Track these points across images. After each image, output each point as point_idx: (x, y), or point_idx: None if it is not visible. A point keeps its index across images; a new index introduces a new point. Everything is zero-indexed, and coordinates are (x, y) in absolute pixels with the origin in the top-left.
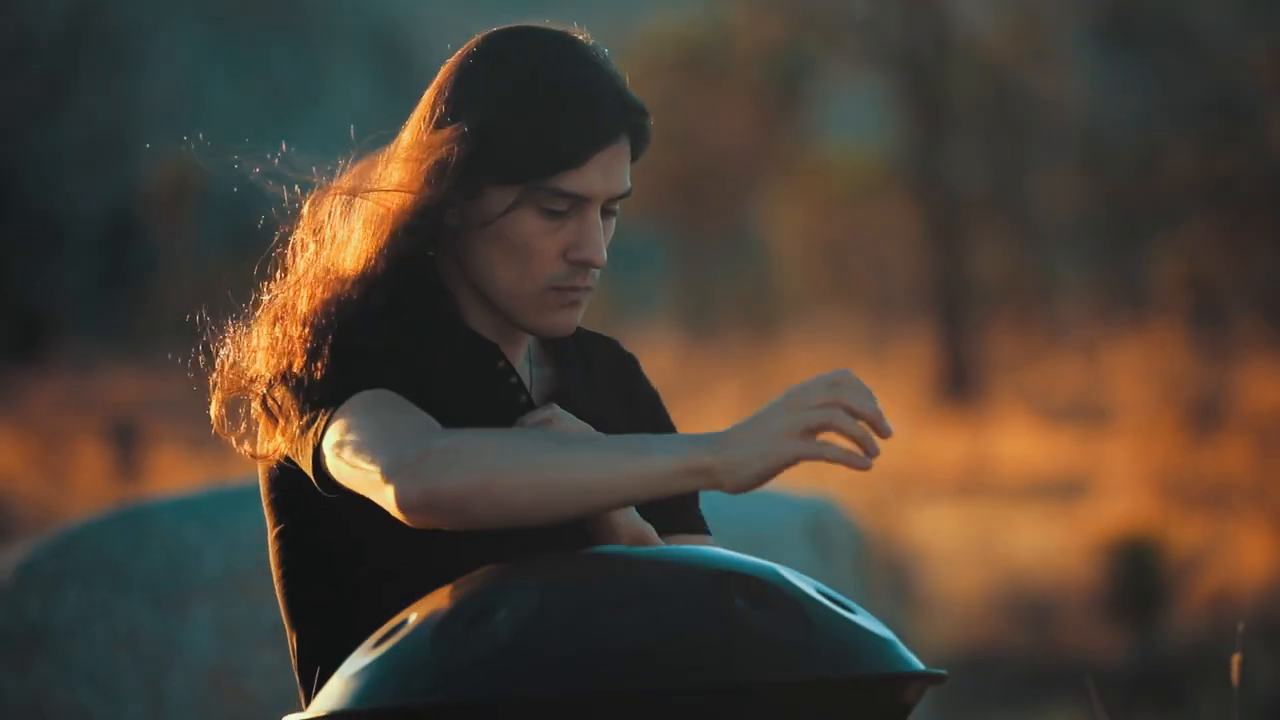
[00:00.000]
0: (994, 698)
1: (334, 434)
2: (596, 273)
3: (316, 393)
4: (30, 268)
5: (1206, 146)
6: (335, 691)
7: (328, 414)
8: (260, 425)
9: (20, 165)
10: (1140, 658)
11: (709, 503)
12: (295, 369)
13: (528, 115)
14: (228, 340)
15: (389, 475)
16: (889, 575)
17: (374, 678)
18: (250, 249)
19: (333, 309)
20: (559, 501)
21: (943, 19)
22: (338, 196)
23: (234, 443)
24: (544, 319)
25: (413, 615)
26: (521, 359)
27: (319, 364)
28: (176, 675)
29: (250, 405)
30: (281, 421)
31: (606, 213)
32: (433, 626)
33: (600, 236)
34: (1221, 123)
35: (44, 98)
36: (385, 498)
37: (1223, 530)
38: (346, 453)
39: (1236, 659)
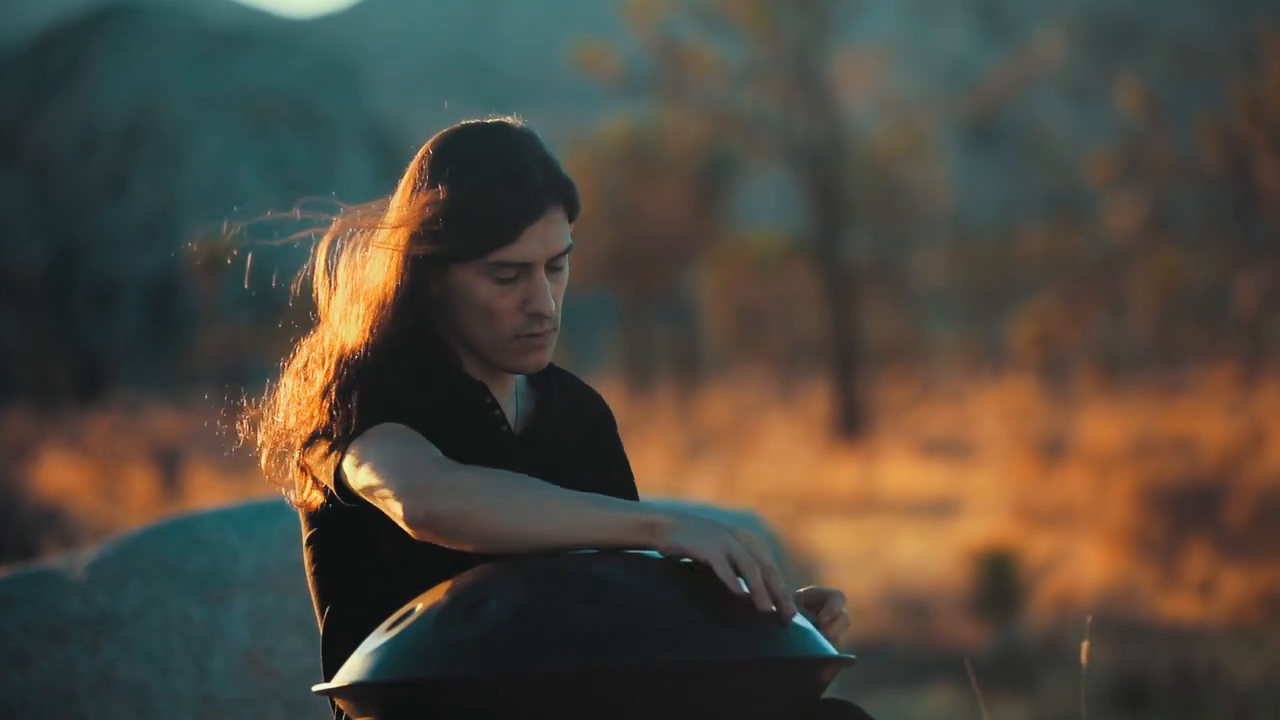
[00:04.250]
0: (881, 679)
1: (354, 455)
2: (556, 317)
3: (340, 427)
4: (92, 324)
5: (1053, 231)
6: (354, 667)
7: (349, 441)
8: (299, 477)
9: (86, 241)
10: (999, 647)
11: None
12: (320, 415)
13: (468, 205)
14: (265, 404)
15: (400, 496)
16: (799, 577)
17: (387, 655)
18: (268, 311)
19: (345, 370)
20: (531, 537)
21: (838, 123)
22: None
23: (283, 491)
24: (517, 361)
25: (419, 604)
26: (508, 395)
27: (340, 409)
28: (218, 655)
29: (290, 457)
30: (314, 457)
31: (553, 269)
32: (436, 613)
33: (546, 291)
34: (1065, 211)
35: (106, 185)
36: (396, 512)
37: (1066, 543)
38: (364, 471)
39: (1085, 645)
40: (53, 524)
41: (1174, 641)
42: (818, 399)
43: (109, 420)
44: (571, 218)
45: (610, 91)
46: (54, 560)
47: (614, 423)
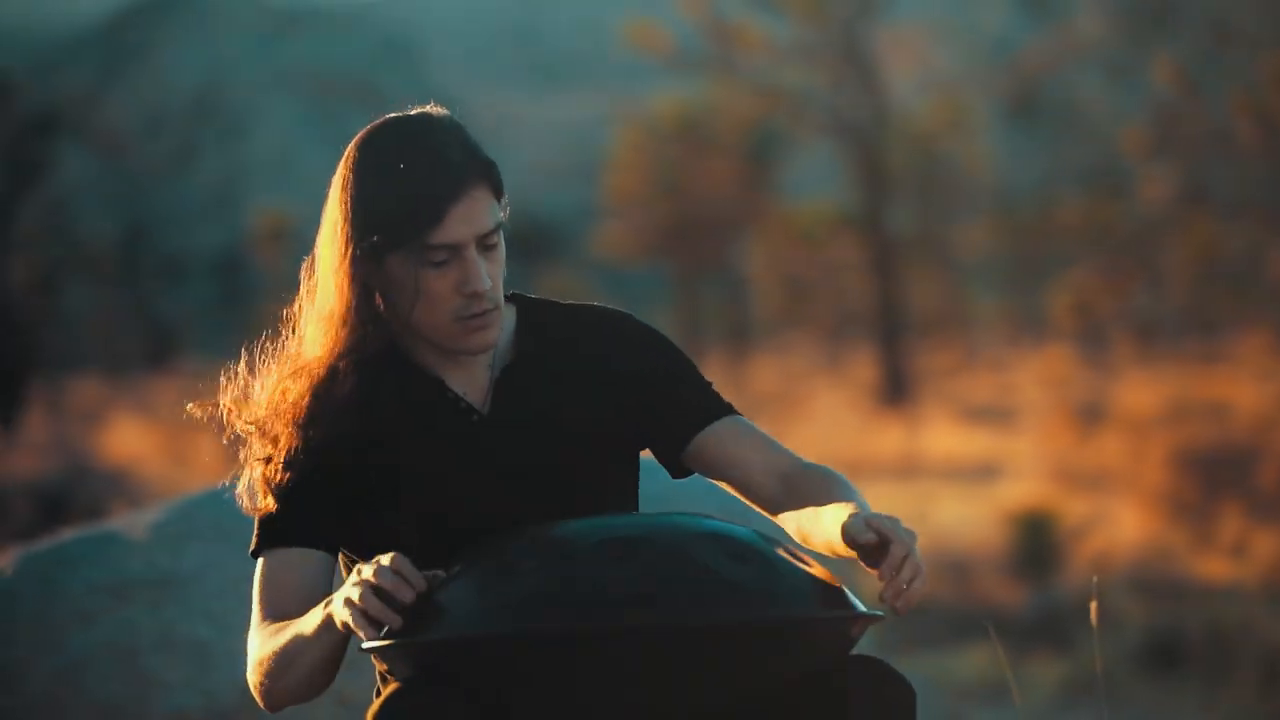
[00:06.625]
0: (922, 638)
1: (254, 576)
2: (495, 295)
3: (258, 520)
4: (161, 294)
5: (1091, 202)
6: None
7: (255, 545)
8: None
9: (155, 213)
10: (1037, 607)
11: (695, 487)
12: (273, 443)
13: (391, 194)
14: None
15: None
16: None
17: (427, 615)
18: None
19: (304, 398)
20: (302, 671)
21: (883, 99)
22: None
23: (239, 497)
24: (463, 342)
25: (459, 566)
26: (479, 363)
27: (270, 480)
28: None
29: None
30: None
31: (486, 246)
32: (475, 574)
33: (479, 270)
34: (1102, 183)
35: (173, 161)
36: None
37: (1103, 506)
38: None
39: (1094, 604)
40: (122, 487)
41: (1207, 601)
42: (863, 366)
43: (177, 386)
44: (497, 196)
45: (662, 69)
46: (117, 522)
47: (638, 331)
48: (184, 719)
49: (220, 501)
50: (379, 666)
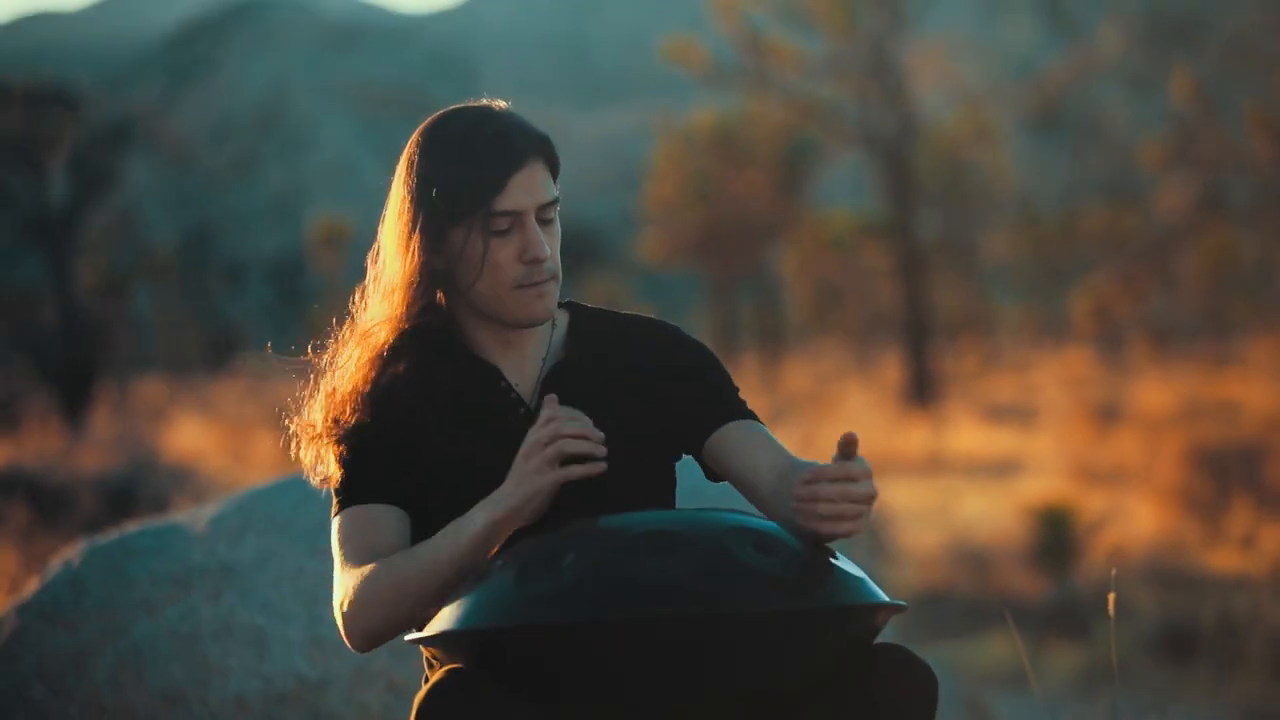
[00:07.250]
0: (945, 627)
1: (333, 530)
2: (553, 265)
3: (335, 489)
4: (223, 298)
5: (1111, 211)
6: (444, 617)
7: (336, 510)
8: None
9: (219, 220)
10: (1055, 597)
11: (720, 487)
12: (330, 441)
13: (455, 167)
14: (304, 397)
15: (339, 623)
16: (868, 533)
17: (473, 606)
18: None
19: (368, 363)
20: (427, 594)
21: (911, 112)
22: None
23: (311, 478)
24: (522, 312)
25: (501, 559)
26: (531, 358)
27: (341, 450)
28: (327, 603)
29: (317, 443)
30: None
31: (544, 220)
32: (518, 567)
33: (539, 237)
34: (1122, 194)
35: (237, 170)
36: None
37: (1119, 501)
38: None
39: (1112, 596)
40: (184, 482)
41: (1218, 592)
42: (891, 368)
43: (237, 387)
44: (553, 172)
45: (699, 83)
46: (179, 516)
47: (678, 339)
48: (243, 703)
49: (277, 496)
50: (425, 654)
